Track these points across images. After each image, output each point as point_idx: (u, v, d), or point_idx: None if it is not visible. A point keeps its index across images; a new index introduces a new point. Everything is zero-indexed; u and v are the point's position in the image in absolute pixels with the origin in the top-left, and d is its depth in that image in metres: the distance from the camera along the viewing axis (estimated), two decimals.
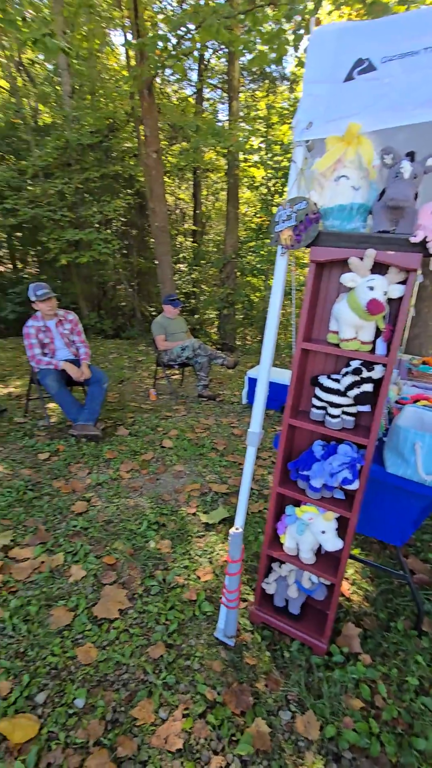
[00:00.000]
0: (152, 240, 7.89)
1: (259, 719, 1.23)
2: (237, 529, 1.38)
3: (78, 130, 7.81)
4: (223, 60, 9.32)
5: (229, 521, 2.21)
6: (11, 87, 9.28)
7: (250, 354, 8.11)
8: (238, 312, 9.28)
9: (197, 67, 9.83)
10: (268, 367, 1.34)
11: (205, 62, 9.71)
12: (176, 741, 1.15)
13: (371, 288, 1.11)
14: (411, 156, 1.03)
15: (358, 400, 1.22)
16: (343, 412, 1.28)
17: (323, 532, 1.34)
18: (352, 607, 1.69)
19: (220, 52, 8.81)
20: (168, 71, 8.68)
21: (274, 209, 7.82)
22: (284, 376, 3.79)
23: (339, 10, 4.39)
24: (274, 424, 3.62)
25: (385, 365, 1.20)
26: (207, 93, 10.67)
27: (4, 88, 10.41)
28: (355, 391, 1.21)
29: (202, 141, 6.35)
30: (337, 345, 1.25)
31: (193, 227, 11.00)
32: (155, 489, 2.51)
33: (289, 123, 7.16)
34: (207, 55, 9.30)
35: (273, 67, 9.26)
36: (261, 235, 8.65)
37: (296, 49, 4.33)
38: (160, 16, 7.78)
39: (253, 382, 4.05)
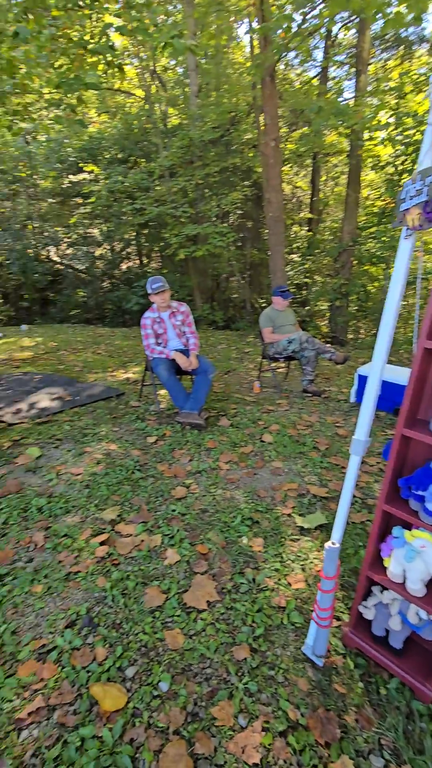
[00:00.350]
0: (267, 231, 7.80)
1: (345, 757, 1.11)
2: (334, 543, 1.26)
3: (201, 127, 8.06)
4: (352, 32, 8.66)
5: (326, 528, 2.06)
6: (145, 95, 9.97)
7: (363, 349, 7.54)
8: (351, 303, 8.69)
9: (323, 45, 9.31)
10: (380, 367, 1.17)
11: (333, 38, 9.13)
12: (254, 754, 1.10)
13: None
14: None
15: None
16: None
17: None
18: None
19: (349, 23, 8.19)
20: (291, 54, 8.39)
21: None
22: (400, 375, 3.41)
23: None
24: (384, 428, 3.29)
25: None
26: (332, 71, 10.07)
27: (139, 97, 11.28)
28: None
29: (324, 122, 6.00)
30: None
31: (309, 215, 10.58)
32: (252, 483, 2.48)
33: (426, 90, 6.32)
34: (335, 30, 8.73)
35: (410, 30, 8.31)
36: (384, 220, 7.91)
37: None
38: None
39: (363, 379, 3.73)
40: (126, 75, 9.29)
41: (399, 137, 6.78)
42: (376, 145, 7.81)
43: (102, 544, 1.92)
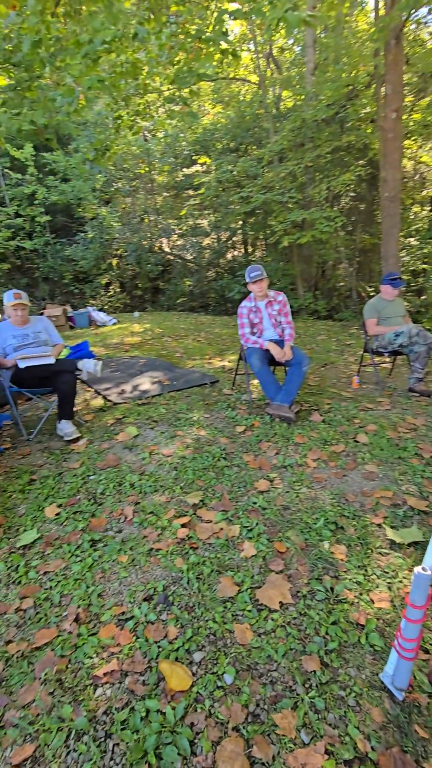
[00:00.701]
0: (381, 213, 7.16)
1: None
2: (425, 570, 1.10)
3: (315, 106, 7.67)
4: None
5: (422, 546, 1.84)
6: (259, 80, 9.82)
7: None
8: None
9: None
10: None
11: None
12: None
13: None
14: None
15: None
16: None
17: None
18: None
19: None
20: (424, 10, 7.44)
21: None
22: None
23: None
24: None
25: None
26: None
27: (253, 83, 11.16)
28: None
29: None
30: None
31: None
32: (340, 485, 2.33)
33: None
34: None
35: None
36: None
37: None
38: None
39: None
40: (240, 61, 9.25)
41: None
42: None
43: (183, 526, 1.99)
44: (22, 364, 2.88)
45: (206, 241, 12.44)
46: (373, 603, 1.55)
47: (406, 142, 9.03)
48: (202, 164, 10.89)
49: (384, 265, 6.77)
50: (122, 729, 1.15)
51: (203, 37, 4.02)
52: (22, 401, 3.83)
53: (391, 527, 1.98)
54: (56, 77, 4.11)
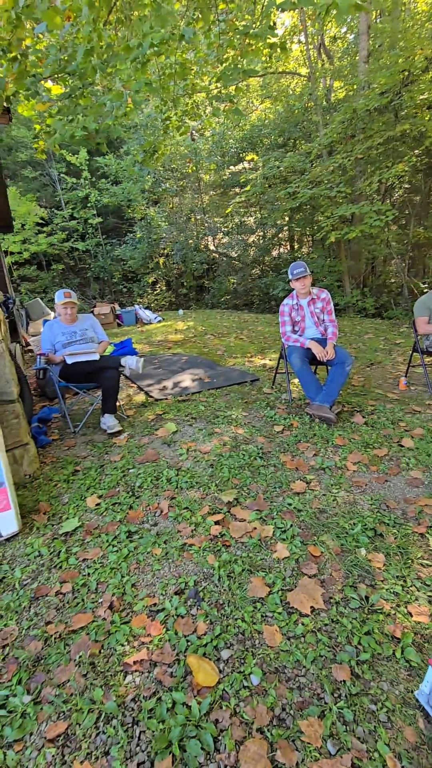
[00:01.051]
0: None
1: None
2: None
3: (367, 95, 7.37)
4: None
5: None
6: (309, 72, 9.60)
7: None
8: None
9: None
10: None
11: None
12: None
13: None
14: None
15: None
16: None
17: None
18: None
19: None
20: None
21: None
22: None
23: None
24: None
25: None
26: None
27: (303, 76, 10.93)
28: None
29: None
30: None
31: None
32: (381, 491, 2.23)
33: None
34: None
35: None
36: None
37: None
38: None
39: None
40: (289, 55, 9.07)
41: None
42: None
43: (217, 523, 2.00)
44: (69, 360, 3.02)
45: (251, 239, 12.38)
46: (411, 616, 1.47)
47: None
48: (249, 161, 10.83)
49: None
50: (149, 717, 1.18)
51: (250, 32, 3.98)
52: (69, 395, 4.02)
53: None
54: (107, 83, 4.25)
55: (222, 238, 13.06)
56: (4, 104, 3.80)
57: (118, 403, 3.25)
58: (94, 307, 9.06)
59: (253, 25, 4.46)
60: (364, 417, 3.11)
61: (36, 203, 10.30)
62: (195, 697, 1.22)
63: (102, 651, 1.40)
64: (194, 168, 12.00)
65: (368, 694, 1.23)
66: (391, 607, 1.51)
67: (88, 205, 10.48)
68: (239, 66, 4.39)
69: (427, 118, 7.50)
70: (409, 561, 1.73)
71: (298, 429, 2.99)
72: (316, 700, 1.21)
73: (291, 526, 1.96)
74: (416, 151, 7.89)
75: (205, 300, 12.29)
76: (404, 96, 7.19)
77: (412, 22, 9.21)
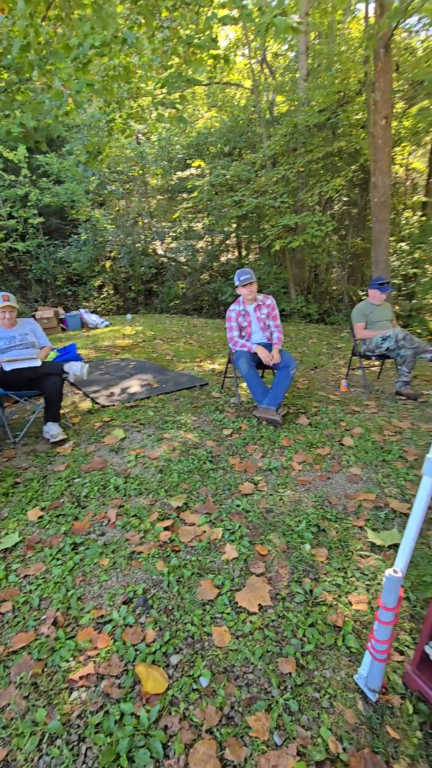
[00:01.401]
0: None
1: None
2: (396, 572, 1.11)
3: (307, 111, 7.74)
4: None
5: None
6: (253, 85, 9.90)
7: None
8: None
9: None
10: None
11: None
12: None
13: None
14: None
15: None
16: None
17: None
18: None
19: None
20: (413, 20, 7.55)
21: None
22: None
23: None
24: None
25: None
26: None
27: (247, 88, 11.25)
28: None
29: None
30: None
31: (424, 199, 9.53)
32: (324, 488, 2.34)
33: None
34: None
35: None
36: None
37: None
38: None
39: None
40: (232, 67, 9.31)
41: None
42: None
43: (166, 529, 1.99)
44: (7, 367, 2.87)
45: (200, 244, 12.48)
46: (351, 605, 1.56)
47: (397, 148, 9.14)
48: (196, 167, 10.93)
49: (374, 270, 6.83)
50: (96, 732, 1.15)
51: (193, 42, 4.05)
52: (9, 404, 3.81)
53: (373, 530, 2.00)
54: (46, 80, 4.12)
55: (170, 242, 13.04)
56: None
57: (62, 411, 3.13)
58: (36, 310, 8.66)
59: (197, 36, 4.53)
60: (308, 418, 3.24)
61: None
62: (144, 705, 1.21)
63: (45, 669, 1.34)
64: (141, 171, 11.90)
65: (312, 683, 1.28)
66: (333, 598, 1.59)
67: (29, 204, 10.03)
68: (183, 74, 4.45)
69: (361, 137, 8.03)
70: (350, 553, 1.84)
71: (247, 432, 3.05)
72: (264, 694, 1.24)
73: (239, 527, 2.00)
74: (353, 166, 8.40)
75: (154, 304, 12.19)
76: (340, 115, 7.64)
77: (347, 47, 9.82)
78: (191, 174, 11.26)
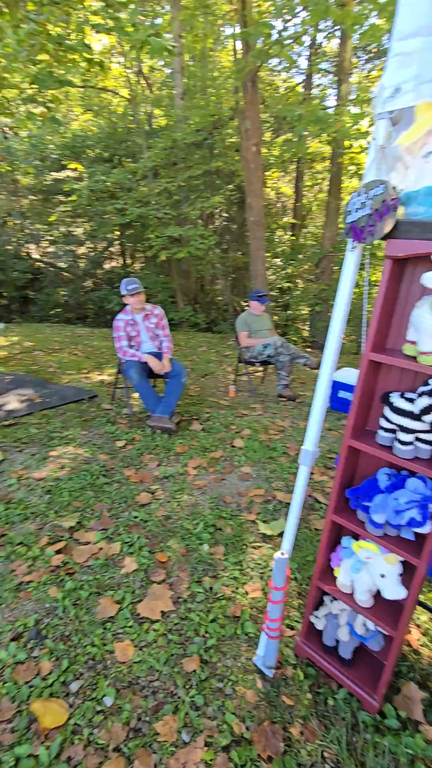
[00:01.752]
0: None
1: None
2: (282, 554, 1.25)
3: (185, 129, 8.05)
4: (335, 41, 8.76)
5: None
6: (130, 95, 9.91)
7: (342, 354, 7.61)
8: (331, 309, 8.80)
9: (308, 53, 9.41)
10: (328, 374, 1.17)
11: (317, 46, 9.24)
12: None
13: None
14: None
15: None
16: (417, 439, 1.07)
17: (383, 575, 1.14)
18: (419, 662, 1.44)
19: (332, 33, 8.29)
20: (275, 61, 8.45)
21: None
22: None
23: None
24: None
25: None
26: (317, 79, 10.17)
27: (124, 97, 11.20)
28: None
29: (305, 129, 6.06)
30: (414, 358, 1.04)
31: (293, 220, 10.67)
32: (218, 489, 2.47)
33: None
34: (319, 38, 8.83)
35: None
36: None
37: None
38: (269, 3, 7.57)
39: (338, 385, 3.76)
40: (108, 73, 9.20)
41: None
42: (359, 153, 7.91)
43: (58, 552, 1.88)
44: None
45: (81, 250, 11.96)
46: (248, 594, 1.68)
47: (268, 173, 10.08)
48: (72, 170, 10.48)
49: (253, 283, 7.40)
50: None
51: (64, 43, 3.92)
52: None
53: (263, 522, 2.17)
54: None
55: (47, 246, 12.22)
56: None
57: None
58: None
59: (69, 36, 4.40)
60: (201, 424, 3.36)
61: None
62: (43, 743, 1.13)
63: None
64: (9, 168, 10.95)
65: (216, 675, 1.35)
66: (232, 591, 1.69)
67: None
68: (55, 74, 4.27)
69: (236, 159, 8.66)
70: (244, 546, 1.97)
71: (141, 442, 3.04)
72: (170, 697, 1.27)
73: (138, 538, 1.99)
74: (230, 186, 8.99)
75: (31, 313, 11.26)
76: (216, 137, 8.13)
77: (219, 74, 10.51)
78: (68, 176, 10.76)
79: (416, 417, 1.03)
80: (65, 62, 4.42)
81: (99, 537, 1.99)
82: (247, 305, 4.60)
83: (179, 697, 1.27)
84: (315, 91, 10.07)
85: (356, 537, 1.30)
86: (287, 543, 1.27)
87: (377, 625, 1.20)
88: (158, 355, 3.41)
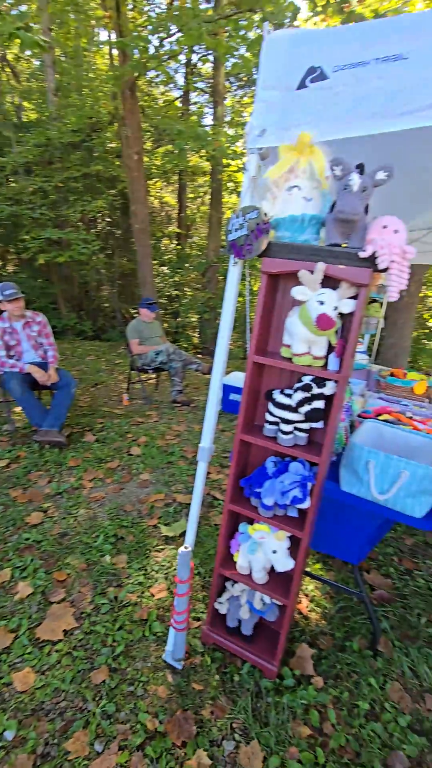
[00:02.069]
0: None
1: (200, 750, 1.17)
2: (186, 548, 1.32)
3: (60, 128, 7.68)
4: (209, 64, 9.32)
5: None
6: None
7: (231, 359, 8.08)
8: (219, 317, 9.25)
9: (184, 70, 9.81)
10: (219, 378, 1.29)
11: (192, 66, 9.69)
12: None
13: (321, 303, 1.08)
14: (360, 168, 1.00)
15: (309, 417, 1.18)
16: (296, 429, 1.24)
17: (274, 551, 1.29)
18: (309, 626, 1.65)
19: (206, 56, 8.81)
20: (152, 72, 8.62)
21: None
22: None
23: (317, 16, 4.41)
24: None
25: (337, 381, 1.17)
26: (194, 97, 10.66)
27: None
28: (306, 408, 1.18)
29: (186, 144, 6.33)
30: (290, 359, 1.21)
31: (177, 230, 10.96)
32: (117, 499, 2.44)
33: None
34: (194, 59, 9.29)
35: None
36: None
37: None
38: (145, 17, 7.72)
39: (228, 389, 4.00)
40: None
41: None
42: (236, 171, 8.51)
43: None
44: None
45: None
46: (154, 596, 1.71)
47: (151, 182, 10.18)
48: None
49: (142, 290, 7.40)
50: None
51: None
52: None
53: (165, 525, 2.22)
54: None
55: None
56: None
57: None
58: None
59: None
60: (94, 435, 3.26)
61: None
62: None
63: None
64: None
65: (126, 680, 1.35)
66: (137, 596, 1.70)
67: None
68: None
69: (117, 164, 8.56)
70: (147, 551, 1.99)
71: (27, 459, 2.83)
72: (79, 713, 1.24)
73: (32, 560, 1.86)
74: (112, 191, 8.85)
75: None
76: (95, 140, 7.94)
77: (95, 75, 10.28)
78: None
79: (294, 409, 1.20)
80: None
81: None
82: (137, 312, 4.61)
83: (89, 711, 1.24)
84: (192, 107, 10.54)
85: (251, 522, 1.43)
86: (190, 537, 1.35)
87: (272, 597, 1.35)
88: (43, 365, 3.21)
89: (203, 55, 8.97)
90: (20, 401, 2.98)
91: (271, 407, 1.27)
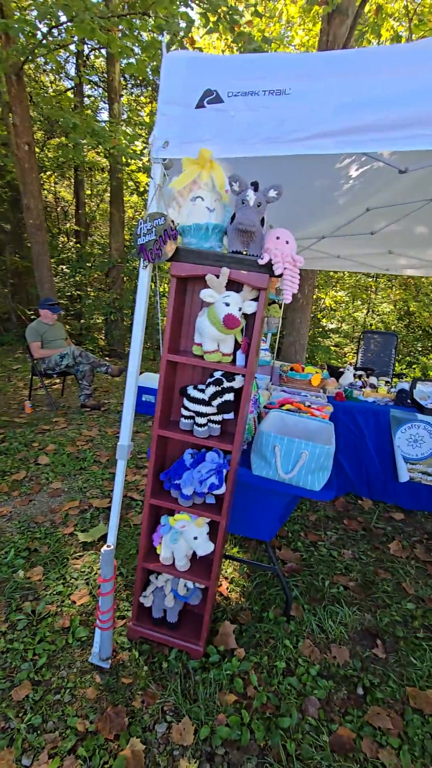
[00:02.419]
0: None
1: (133, 739, 1.20)
2: (108, 546, 1.34)
3: None
4: (102, 59, 9.08)
5: None
6: None
7: (141, 360, 7.99)
8: (126, 318, 9.08)
9: (75, 61, 9.42)
10: (134, 378, 1.33)
11: (84, 57, 9.35)
12: None
13: (227, 304, 1.18)
14: (255, 186, 1.13)
15: (221, 409, 1.28)
16: (210, 421, 1.34)
17: (195, 538, 1.37)
18: (230, 605, 1.77)
19: (98, 49, 8.58)
20: (42, 59, 8.13)
21: None
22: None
23: (210, 35, 4.61)
24: None
25: (244, 375, 1.29)
26: (87, 90, 10.28)
27: None
28: (218, 401, 1.28)
29: (81, 139, 6.09)
30: (201, 357, 1.30)
31: (76, 227, 10.48)
32: (27, 511, 2.31)
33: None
34: (86, 50, 8.97)
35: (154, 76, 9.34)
36: None
37: None
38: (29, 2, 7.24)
39: (141, 390, 4.00)
40: None
41: None
42: (135, 171, 8.42)
43: None
44: None
45: None
46: (75, 603, 1.68)
47: (44, 175, 9.57)
48: None
49: (40, 290, 6.93)
50: None
51: None
52: None
53: (82, 531, 2.17)
54: None
55: None
56: None
57: None
58: None
59: None
60: None
61: None
62: None
63: None
64: None
65: (51, 690, 1.32)
66: (57, 606, 1.65)
67: None
68: None
69: (4, 153, 7.88)
70: (65, 560, 1.93)
71: None
72: (2, 733, 1.18)
73: None
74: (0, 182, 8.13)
75: None
76: None
77: None
78: None
79: (207, 403, 1.30)
80: None
81: None
82: (33, 314, 4.33)
83: (13, 728, 1.19)
84: (87, 101, 10.15)
85: (172, 513, 1.50)
86: (112, 536, 1.37)
87: (195, 581, 1.43)
88: None
89: (95, 48, 8.72)
90: None
91: (186, 402, 1.35)
